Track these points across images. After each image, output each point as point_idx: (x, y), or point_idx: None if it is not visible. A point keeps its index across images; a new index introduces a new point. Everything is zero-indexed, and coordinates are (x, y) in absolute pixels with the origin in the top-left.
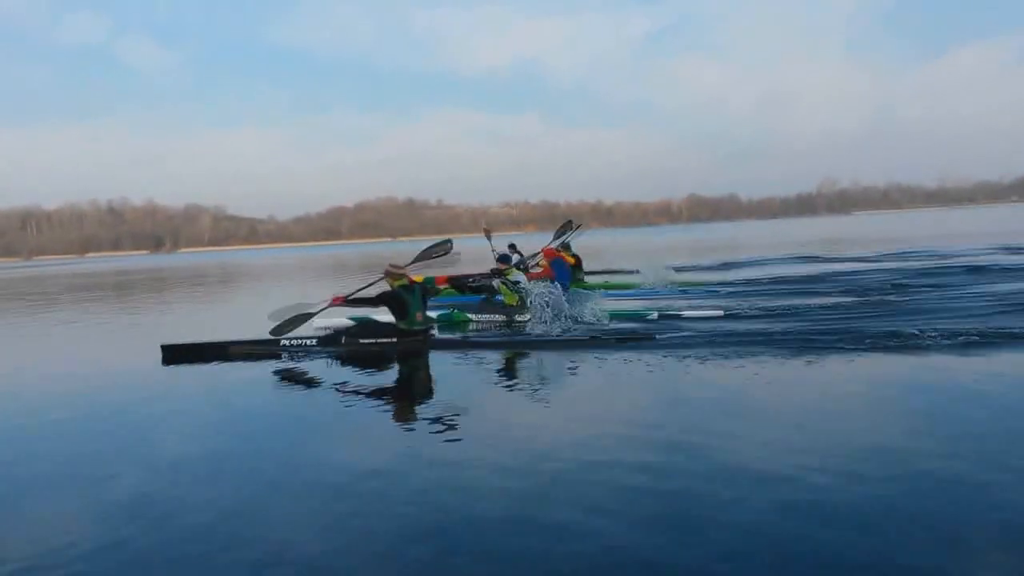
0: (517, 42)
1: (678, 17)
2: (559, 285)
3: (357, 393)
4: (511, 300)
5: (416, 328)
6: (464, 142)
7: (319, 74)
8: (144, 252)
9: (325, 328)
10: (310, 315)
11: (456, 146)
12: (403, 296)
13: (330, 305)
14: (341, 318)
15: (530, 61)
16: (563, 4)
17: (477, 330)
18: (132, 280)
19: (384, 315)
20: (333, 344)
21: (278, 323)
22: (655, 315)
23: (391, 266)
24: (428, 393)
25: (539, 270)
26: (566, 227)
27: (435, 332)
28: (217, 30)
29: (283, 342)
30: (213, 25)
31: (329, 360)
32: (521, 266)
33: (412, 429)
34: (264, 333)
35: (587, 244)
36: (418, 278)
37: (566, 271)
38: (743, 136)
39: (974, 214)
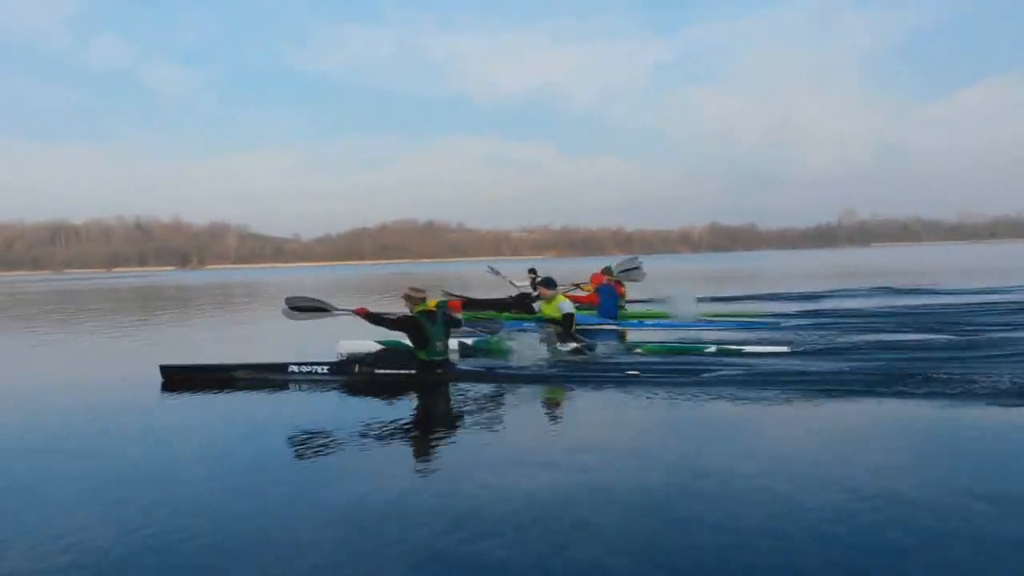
0: (532, 70)
1: (691, 48)
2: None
3: (369, 427)
4: (553, 327)
5: (436, 359)
6: (479, 167)
7: (337, 98)
8: (171, 268)
9: (339, 355)
10: (328, 310)
11: (471, 171)
12: (423, 323)
13: (352, 313)
14: (359, 340)
15: (545, 89)
16: (578, 34)
17: (515, 359)
18: (161, 294)
19: (402, 342)
20: (346, 373)
21: (295, 304)
22: (713, 348)
23: (411, 289)
24: (446, 430)
25: (582, 294)
26: (632, 263)
27: (456, 362)
28: (238, 55)
29: (291, 368)
30: (234, 50)
31: (340, 390)
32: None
33: (426, 467)
34: (273, 357)
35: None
36: (431, 303)
37: (613, 300)
38: (755, 167)
39: (1003, 250)
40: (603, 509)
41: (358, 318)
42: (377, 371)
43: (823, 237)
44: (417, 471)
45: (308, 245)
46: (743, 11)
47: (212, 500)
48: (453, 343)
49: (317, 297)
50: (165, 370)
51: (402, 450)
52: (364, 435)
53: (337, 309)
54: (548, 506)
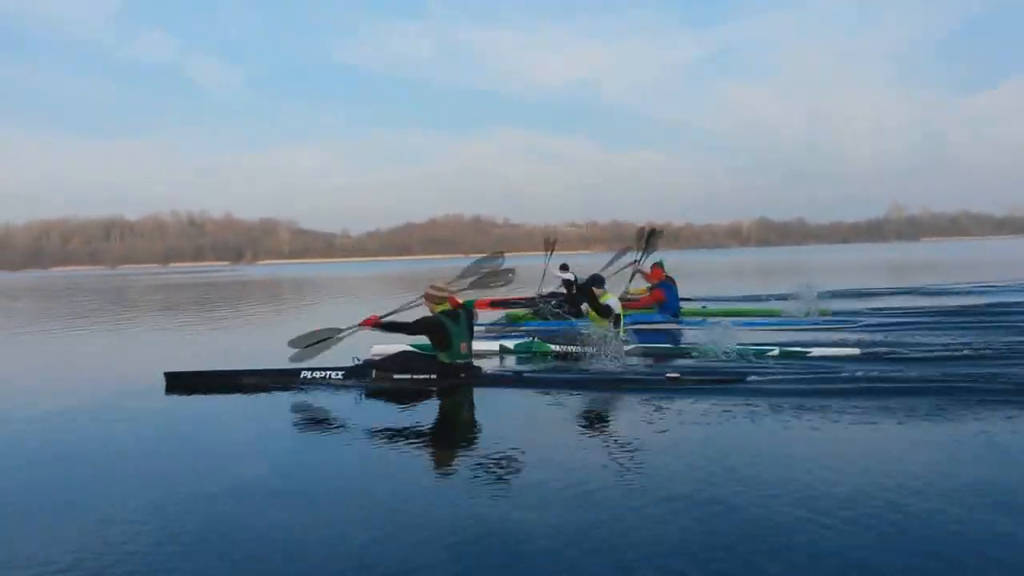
0: (570, 65)
1: (729, 42)
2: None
3: (386, 438)
4: (601, 327)
5: (459, 362)
6: (520, 161)
7: (379, 92)
8: (225, 263)
9: (354, 358)
10: (337, 339)
11: (512, 165)
12: (446, 324)
13: (359, 327)
14: (376, 345)
15: (583, 83)
16: (616, 29)
17: (560, 363)
18: (222, 291)
19: (421, 345)
20: (362, 377)
21: (299, 348)
22: (776, 351)
23: (432, 287)
24: (468, 441)
25: (640, 295)
26: (652, 236)
27: (482, 366)
28: (281, 49)
29: (304, 374)
30: (277, 44)
31: (357, 397)
32: (574, 290)
33: (446, 482)
34: (284, 362)
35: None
36: (459, 301)
37: (675, 296)
38: (795, 161)
39: None
40: (627, 534)
41: (368, 329)
42: (395, 376)
43: (872, 231)
44: (434, 486)
45: (358, 240)
46: (780, 4)
47: (213, 512)
48: (494, 345)
49: (321, 328)
50: (169, 376)
51: (418, 463)
52: (379, 447)
53: (343, 330)
54: (573, 530)
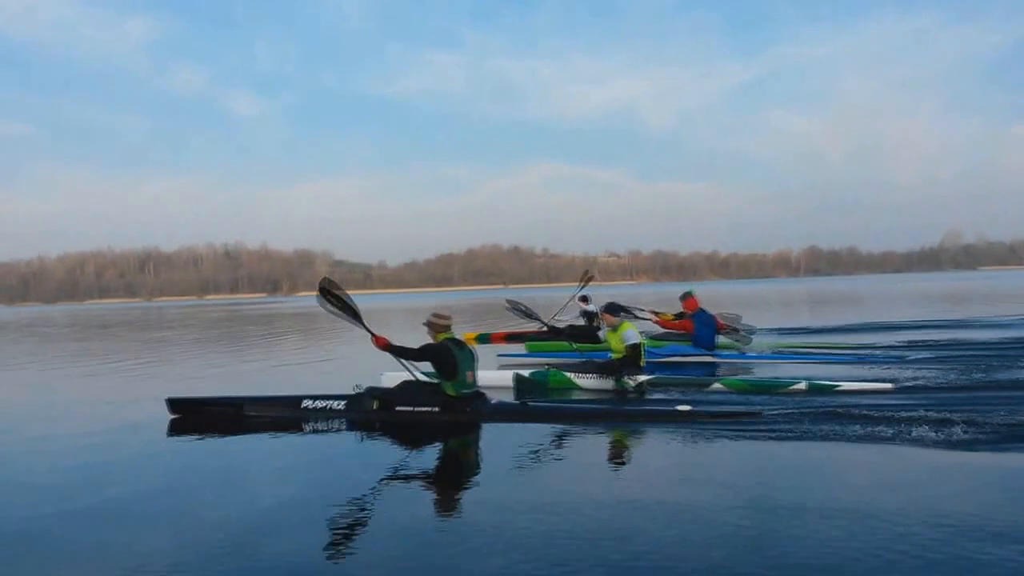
0: (609, 95)
1: (771, 70)
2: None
3: (384, 474)
4: (620, 356)
5: (465, 392)
6: (557, 192)
7: (414, 123)
8: (262, 295)
9: (356, 387)
10: (354, 320)
11: (549, 196)
12: (452, 350)
13: (372, 336)
14: (387, 372)
15: (622, 113)
16: (657, 57)
17: (577, 394)
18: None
19: (425, 375)
20: (363, 407)
21: (332, 289)
22: (803, 385)
23: (435, 315)
24: (472, 479)
25: (668, 319)
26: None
27: (490, 397)
28: (314, 81)
29: (306, 403)
30: (310, 76)
31: (357, 429)
32: (595, 323)
33: (446, 523)
34: (286, 389)
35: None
36: (470, 336)
37: (711, 328)
38: (842, 189)
39: None
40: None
41: (376, 346)
42: (398, 408)
43: (927, 260)
44: (435, 527)
45: (397, 271)
46: (824, 32)
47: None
48: (508, 375)
49: (354, 306)
50: (172, 403)
51: (419, 502)
52: (378, 483)
53: (361, 324)
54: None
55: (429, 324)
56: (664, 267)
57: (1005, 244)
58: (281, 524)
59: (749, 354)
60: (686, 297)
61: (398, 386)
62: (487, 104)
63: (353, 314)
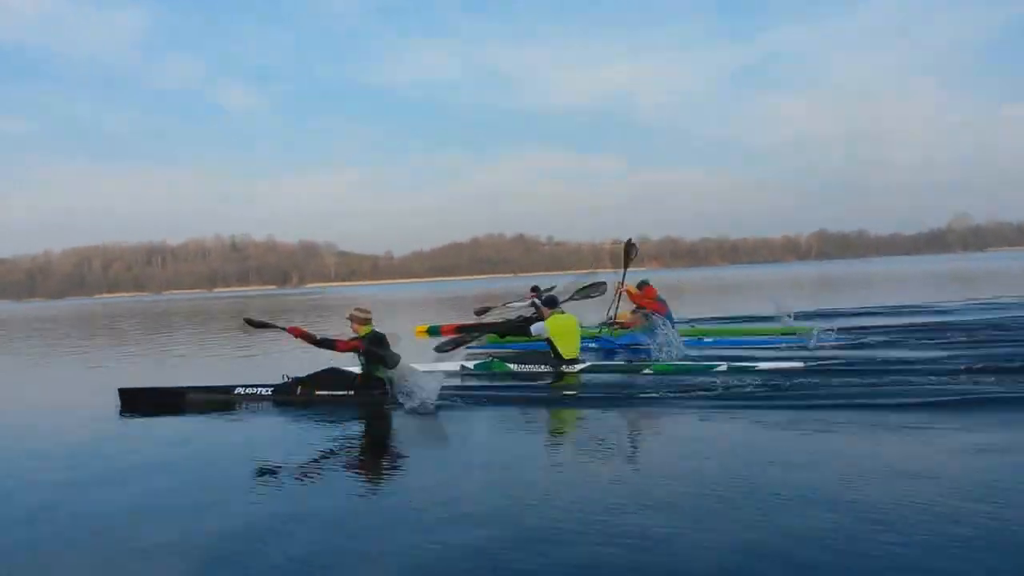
0: (604, 81)
1: (767, 54)
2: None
3: (305, 450)
4: (566, 349)
5: (379, 379)
6: (558, 179)
7: (409, 113)
8: (272, 287)
9: (284, 376)
10: (267, 326)
11: (549, 183)
12: (377, 343)
13: (286, 330)
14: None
15: (618, 99)
16: (651, 43)
17: (517, 383)
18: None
19: (348, 364)
20: (288, 394)
21: (252, 323)
22: (724, 366)
23: (357, 310)
24: (380, 454)
25: (629, 319)
26: (630, 251)
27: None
28: (308, 72)
29: (238, 390)
30: (304, 67)
31: (283, 411)
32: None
33: (359, 491)
34: (223, 380)
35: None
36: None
37: (669, 316)
38: (841, 172)
39: None
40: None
41: (294, 337)
42: (318, 392)
43: (935, 242)
44: (350, 494)
45: (404, 261)
46: (821, 14)
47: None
48: (455, 365)
49: (269, 321)
50: (122, 393)
51: (335, 473)
52: (300, 458)
53: (276, 324)
54: (476, 536)
55: (352, 318)
56: (674, 253)
57: (1013, 225)
58: (203, 503)
59: (707, 340)
60: (643, 286)
61: (319, 373)
62: (482, 92)
63: (266, 325)
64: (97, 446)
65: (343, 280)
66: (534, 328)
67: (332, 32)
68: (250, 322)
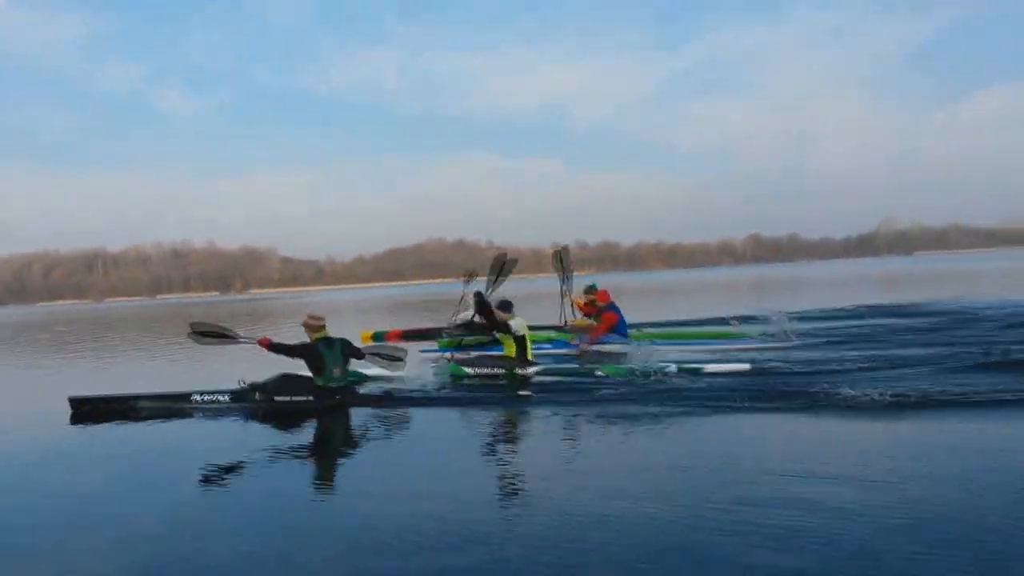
0: (542, 88)
1: (701, 59)
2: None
3: (264, 455)
4: (511, 351)
5: (334, 385)
6: (496, 184)
7: (347, 119)
8: (215, 293)
9: (240, 381)
10: (231, 339)
11: (488, 188)
12: (320, 350)
13: (255, 343)
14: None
15: (555, 106)
16: (585, 49)
17: (473, 385)
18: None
19: (303, 370)
20: (246, 400)
21: (200, 329)
22: (673, 368)
23: (310, 317)
24: (338, 457)
25: (584, 326)
26: (506, 264)
27: (360, 388)
28: (247, 77)
29: (195, 397)
30: (243, 72)
31: (242, 417)
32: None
33: (316, 494)
34: (175, 387)
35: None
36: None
37: (622, 319)
38: (773, 177)
39: None
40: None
41: (261, 348)
42: (276, 398)
43: (864, 246)
44: (308, 498)
45: (348, 266)
46: (752, 22)
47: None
48: (415, 370)
49: (226, 327)
50: (73, 401)
51: (294, 477)
52: (259, 463)
53: (241, 338)
54: (432, 533)
55: (305, 325)
56: (612, 258)
57: (936, 229)
58: (171, 512)
59: (658, 342)
60: (592, 290)
61: (276, 379)
62: (420, 98)
63: (227, 336)
64: (43, 457)
65: (286, 286)
66: (514, 324)
67: (273, 38)
68: (202, 332)
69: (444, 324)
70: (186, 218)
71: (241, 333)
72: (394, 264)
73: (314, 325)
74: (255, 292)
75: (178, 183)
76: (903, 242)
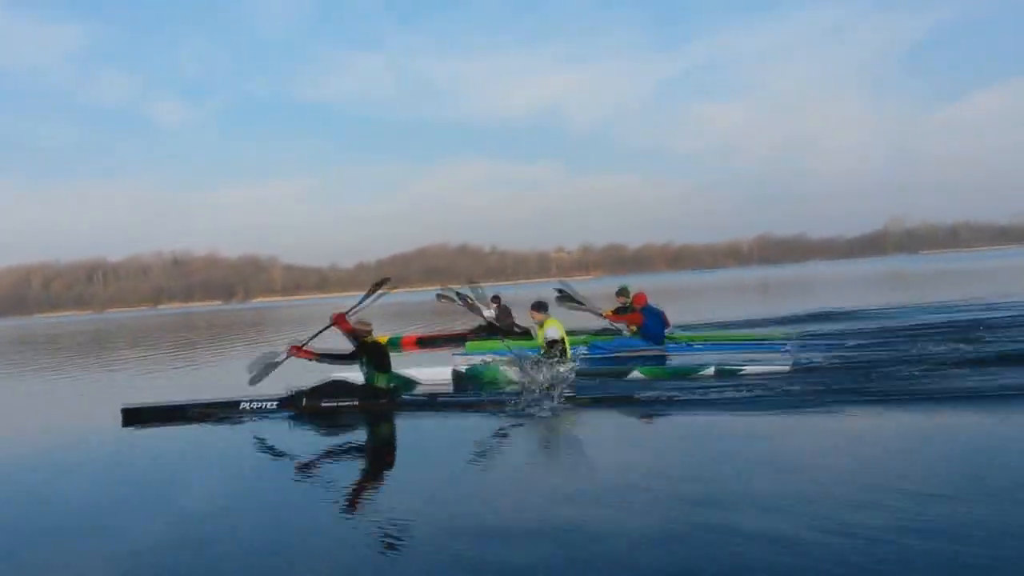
0: (537, 90)
1: (699, 62)
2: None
3: (314, 459)
4: (549, 352)
5: (384, 388)
6: (495, 189)
7: (342, 126)
8: (217, 302)
9: (288, 388)
10: (275, 364)
11: (487, 193)
12: (383, 348)
13: (287, 355)
14: (335, 373)
15: (553, 110)
16: (582, 53)
17: (507, 388)
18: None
19: (347, 374)
20: (293, 406)
21: (253, 374)
22: (711, 370)
23: (359, 323)
24: (385, 462)
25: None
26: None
27: (405, 392)
28: (242, 87)
29: (243, 405)
30: (237, 82)
31: (290, 423)
32: (496, 322)
33: (367, 497)
34: (224, 394)
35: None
36: (382, 339)
37: (659, 322)
38: (773, 179)
39: None
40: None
41: (299, 357)
42: (324, 403)
43: (872, 245)
44: (359, 501)
45: (352, 273)
46: (750, 24)
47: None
48: (447, 371)
49: (261, 355)
50: (125, 412)
51: (345, 480)
52: (311, 467)
53: (279, 359)
54: (474, 537)
55: (355, 331)
56: (618, 260)
57: (946, 227)
58: (231, 517)
59: (696, 346)
60: (623, 292)
61: (323, 384)
62: (417, 104)
63: (271, 364)
64: (100, 464)
65: (289, 294)
66: (549, 332)
67: (267, 47)
68: (257, 378)
69: (458, 329)
70: (186, 228)
71: (281, 352)
72: (397, 270)
73: (363, 330)
74: (260, 300)
75: (177, 193)
76: (910, 240)
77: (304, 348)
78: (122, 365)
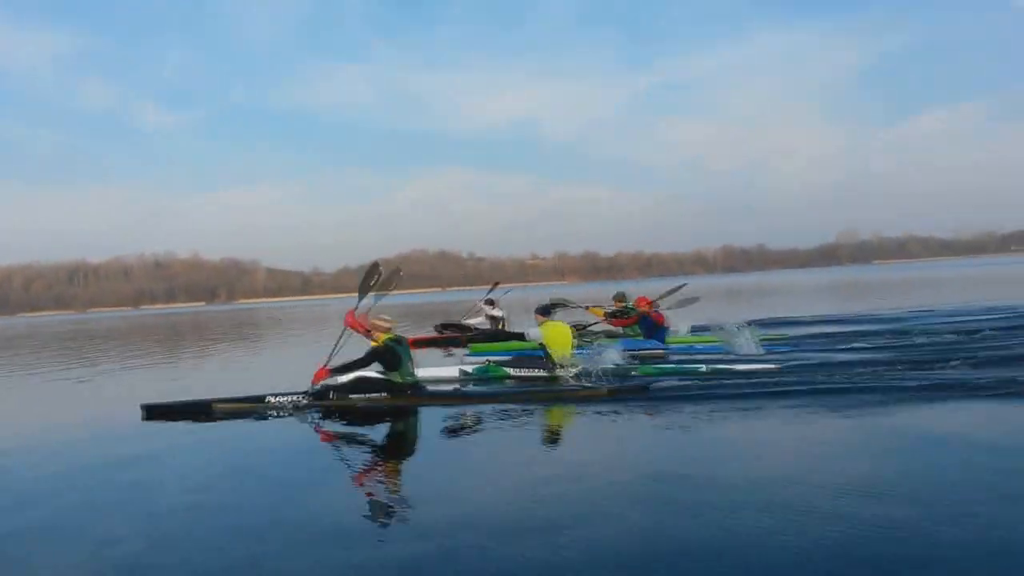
0: (513, 104)
1: (666, 80)
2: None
3: (341, 450)
4: (556, 352)
5: (407, 382)
6: (470, 198)
7: (325, 135)
8: (200, 303)
9: (312, 383)
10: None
11: (462, 202)
12: (395, 348)
13: (315, 381)
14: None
15: (526, 122)
16: (556, 69)
17: (514, 385)
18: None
19: (372, 373)
20: (322, 400)
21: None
22: (704, 368)
23: (380, 319)
24: (417, 450)
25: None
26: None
27: (425, 385)
28: (223, 94)
29: (268, 399)
30: (219, 89)
31: (318, 417)
32: (500, 326)
33: (395, 488)
34: (249, 389)
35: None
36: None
37: (657, 329)
38: (735, 193)
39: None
40: (545, 533)
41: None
42: (352, 396)
43: (827, 256)
44: (387, 492)
45: (335, 276)
46: (714, 46)
47: (187, 530)
48: (454, 370)
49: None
50: (146, 408)
51: (374, 471)
52: (341, 459)
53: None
54: (507, 529)
55: (373, 326)
56: (593, 267)
57: (895, 240)
58: (268, 506)
59: (697, 347)
60: (620, 297)
61: (351, 380)
62: (395, 115)
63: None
64: (119, 461)
65: (272, 296)
66: (530, 333)
67: (249, 56)
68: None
69: (444, 332)
70: (168, 231)
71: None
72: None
73: (383, 326)
74: (241, 302)
75: (159, 197)
76: (862, 252)
77: (325, 367)
78: (140, 361)
